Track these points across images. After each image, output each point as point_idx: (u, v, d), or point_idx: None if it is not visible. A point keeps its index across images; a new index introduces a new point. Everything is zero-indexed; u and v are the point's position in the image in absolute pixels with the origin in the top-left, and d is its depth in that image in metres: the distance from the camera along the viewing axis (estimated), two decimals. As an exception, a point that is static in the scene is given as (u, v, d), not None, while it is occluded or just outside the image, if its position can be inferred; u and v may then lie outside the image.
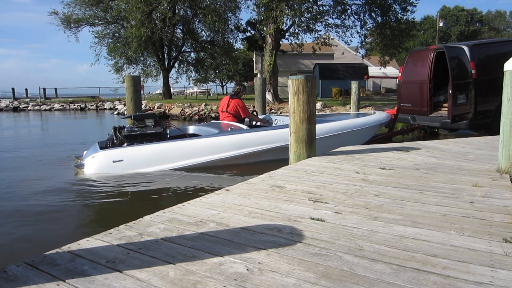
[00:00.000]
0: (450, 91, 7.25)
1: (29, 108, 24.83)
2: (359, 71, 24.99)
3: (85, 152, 5.71)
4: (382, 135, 7.77)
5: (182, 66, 27.68)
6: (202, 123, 8.99)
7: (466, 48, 7.15)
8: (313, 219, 2.07)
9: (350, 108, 12.25)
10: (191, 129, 6.33)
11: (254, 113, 6.99)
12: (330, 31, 17.52)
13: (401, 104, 8.67)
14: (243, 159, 5.47)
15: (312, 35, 17.17)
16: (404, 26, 17.03)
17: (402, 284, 1.36)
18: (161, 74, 25.73)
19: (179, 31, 24.35)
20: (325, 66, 25.98)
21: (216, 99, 24.08)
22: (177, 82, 33.45)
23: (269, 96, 16.77)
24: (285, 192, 2.67)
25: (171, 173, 5.12)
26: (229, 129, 5.77)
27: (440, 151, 4.48)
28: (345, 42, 18.89)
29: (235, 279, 1.40)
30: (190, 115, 16.94)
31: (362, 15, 17.07)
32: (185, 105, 18.88)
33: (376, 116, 7.06)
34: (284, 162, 4.02)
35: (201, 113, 16.87)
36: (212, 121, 8.43)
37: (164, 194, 4.50)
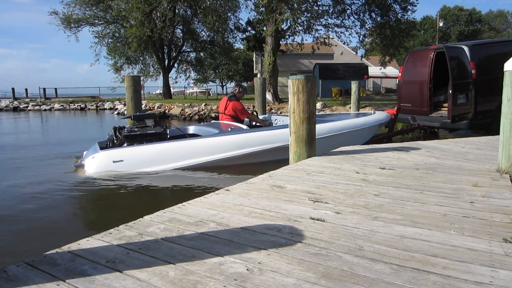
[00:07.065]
0: (450, 91, 7.25)
1: (29, 108, 24.82)
2: (359, 71, 24.98)
3: (85, 152, 5.71)
4: (382, 135, 7.76)
5: (182, 65, 27.70)
6: (202, 123, 8.99)
7: (466, 48, 7.15)
8: (313, 219, 2.07)
9: (350, 108, 12.25)
10: (191, 129, 6.33)
11: (254, 113, 6.96)
12: (330, 31, 17.53)
13: (401, 104, 8.67)
14: (243, 159, 5.46)
15: (312, 35, 17.18)
16: (404, 26, 17.02)
17: (402, 284, 1.36)
18: (161, 74, 25.75)
19: (179, 31, 24.38)
20: (325, 66, 25.97)
21: (216, 99, 24.08)
22: (176, 82, 33.51)
23: (269, 96, 16.76)
24: (285, 192, 2.67)
25: (171, 173, 5.12)
26: (229, 129, 5.76)
27: (440, 151, 4.48)
28: (344, 42, 18.89)
29: (235, 279, 1.40)
30: (190, 115, 16.94)
31: (361, 15, 17.06)
32: (185, 105, 18.88)
33: (376, 116, 7.05)
34: (284, 162, 4.02)
35: (201, 113, 16.87)
36: (212, 121, 8.43)
37: (164, 194, 4.50)
